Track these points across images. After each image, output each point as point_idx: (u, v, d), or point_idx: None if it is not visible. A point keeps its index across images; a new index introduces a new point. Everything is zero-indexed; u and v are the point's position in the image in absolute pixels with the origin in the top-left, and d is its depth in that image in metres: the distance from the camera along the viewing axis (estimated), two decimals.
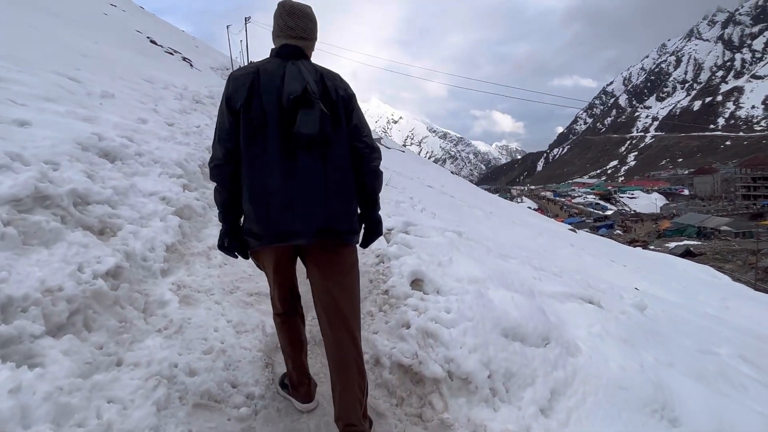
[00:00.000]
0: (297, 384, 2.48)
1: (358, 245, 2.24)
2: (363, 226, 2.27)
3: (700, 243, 63.34)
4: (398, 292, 3.26)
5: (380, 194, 2.29)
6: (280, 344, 2.48)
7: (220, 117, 2.07)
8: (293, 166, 1.97)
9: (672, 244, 62.46)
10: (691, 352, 3.88)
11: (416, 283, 3.40)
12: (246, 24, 34.73)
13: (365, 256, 3.82)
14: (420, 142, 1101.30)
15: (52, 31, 13.01)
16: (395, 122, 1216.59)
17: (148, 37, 26.04)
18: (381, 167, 2.21)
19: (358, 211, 2.22)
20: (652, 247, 56.37)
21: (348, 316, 2.17)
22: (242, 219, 2.14)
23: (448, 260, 3.76)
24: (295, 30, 2.13)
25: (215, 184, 2.14)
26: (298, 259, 2.28)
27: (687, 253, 48.64)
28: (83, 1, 26.05)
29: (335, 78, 2.11)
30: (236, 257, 2.25)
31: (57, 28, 14.57)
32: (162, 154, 4.58)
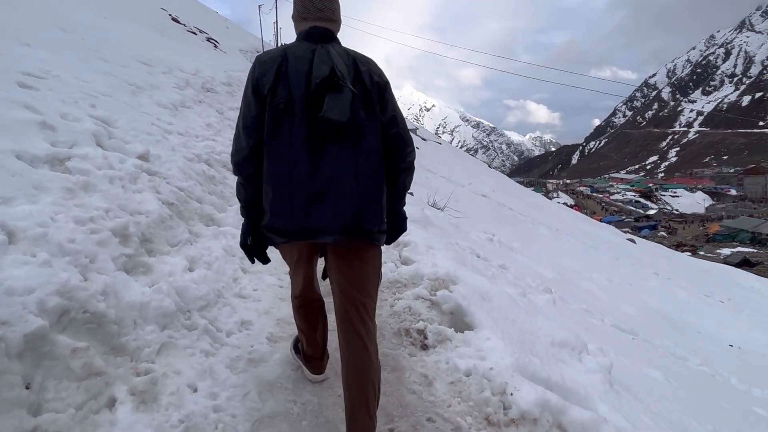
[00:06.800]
0: (310, 356, 2.39)
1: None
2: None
3: (755, 250, 59.19)
4: None
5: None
6: (295, 322, 2.37)
7: (246, 105, 1.87)
8: (321, 156, 1.78)
9: (725, 251, 58.72)
10: None
11: None
12: (276, 1, 31.87)
13: None
14: (452, 131, 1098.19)
15: (44, 3, 10.71)
16: (428, 110, 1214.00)
17: (170, 15, 23.66)
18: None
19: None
20: (701, 253, 52.90)
21: (363, 322, 1.96)
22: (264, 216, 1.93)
23: None
24: (324, 11, 1.95)
25: (238, 178, 1.96)
26: None
27: (745, 263, 45.05)
28: None
29: (369, 62, 1.93)
30: (253, 261, 2.08)
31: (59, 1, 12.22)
32: None
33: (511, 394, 2.08)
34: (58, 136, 3.42)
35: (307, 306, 2.29)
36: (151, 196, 3.26)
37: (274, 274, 3.47)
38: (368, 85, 1.86)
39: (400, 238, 4.56)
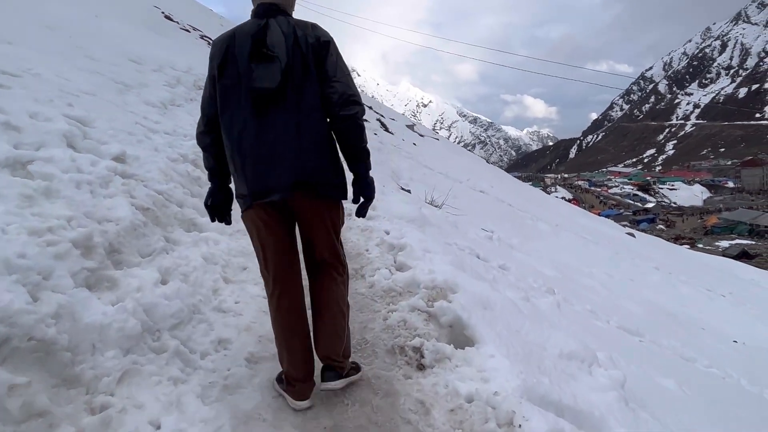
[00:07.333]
0: (292, 379, 2.14)
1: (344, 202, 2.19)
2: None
3: (753, 242, 59.12)
4: None
5: (367, 154, 2.09)
6: (273, 331, 2.18)
7: (204, 87, 2.13)
8: (265, 122, 1.94)
9: (723, 244, 58.64)
10: None
11: None
12: None
13: None
14: (450, 127, 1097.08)
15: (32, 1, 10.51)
16: (425, 106, 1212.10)
17: (162, 12, 23.37)
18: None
19: (341, 164, 2.11)
20: (700, 246, 52.83)
21: (327, 261, 2.18)
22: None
23: None
24: None
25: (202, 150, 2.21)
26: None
27: (743, 255, 45.00)
28: None
29: (306, 27, 2.03)
30: (213, 220, 2.29)
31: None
32: None
33: (520, 425, 1.81)
34: (23, 137, 3.16)
35: (285, 302, 2.13)
36: (124, 201, 2.99)
37: (259, 284, 3.20)
38: (303, 49, 1.96)
39: (396, 242, 4.36)
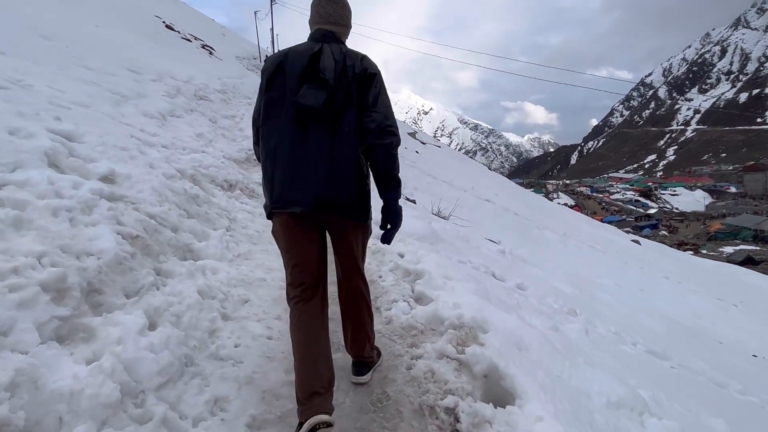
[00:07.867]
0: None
1: (368, 224, 2.23)
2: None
3: (758, 248, 58.68)
4: None
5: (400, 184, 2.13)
6: (292, 344, 2.04)
7: (257, 98, 2.20)
8: (302, 138, 2.00)
9: (728, 249, 58.24)
10: None
11: None
12: (272, 5, 31.18)
13: None
14: (450, 134, 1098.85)
15: (29, 11, 10.34)
16: (426, 113, 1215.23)
17: (163, 22, 23.38)
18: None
19: (368, 190, 2.16)
20: (704, 252, 52.41)
21: (361, 279, 2.29)
22: None
23: None
24: (332, 16, 2.20)
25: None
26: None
27: (748, 261, 44.70)
28: None
29: (356, 58, 2.10)
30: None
31: (50, 10, 11.87)
32: None
33: None
34: None
35: (305, 310, 2.06)
36: (108, 230, 2.63)
37: (263, 320, 2.84)
38: (349, 77, 2.03)
39: (412, 267, 4.01)
